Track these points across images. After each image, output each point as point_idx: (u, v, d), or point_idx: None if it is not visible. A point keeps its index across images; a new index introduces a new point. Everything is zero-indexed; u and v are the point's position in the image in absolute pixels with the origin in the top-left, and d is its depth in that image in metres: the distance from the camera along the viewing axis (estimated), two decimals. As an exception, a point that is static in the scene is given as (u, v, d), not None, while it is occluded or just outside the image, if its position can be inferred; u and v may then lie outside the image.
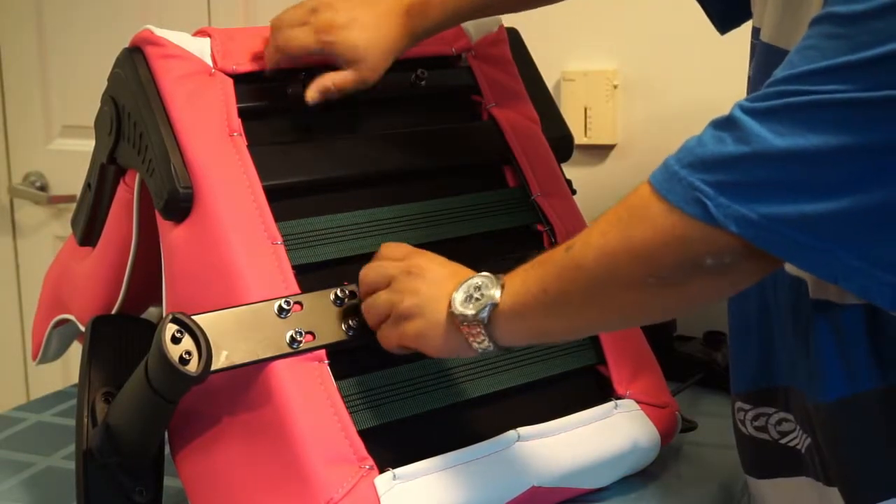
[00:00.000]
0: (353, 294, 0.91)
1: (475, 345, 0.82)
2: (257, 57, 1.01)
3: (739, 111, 0.67)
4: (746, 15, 0.95)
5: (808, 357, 0.81)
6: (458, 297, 0.82)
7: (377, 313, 0.88)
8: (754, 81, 0.87)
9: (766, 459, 0.90)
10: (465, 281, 0.82)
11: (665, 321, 1.33)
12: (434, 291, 0.84)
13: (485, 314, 0.80)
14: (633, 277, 0.72)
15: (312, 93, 0.98)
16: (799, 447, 0.86)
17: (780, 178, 0.65)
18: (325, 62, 0.99)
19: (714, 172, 0.67)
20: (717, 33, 1.04)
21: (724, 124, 0.68)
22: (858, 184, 0.64)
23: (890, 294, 0.67)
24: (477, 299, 0.80)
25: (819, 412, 0.81)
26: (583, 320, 0.79)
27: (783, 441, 0.88)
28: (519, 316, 0.80)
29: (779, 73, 0.67)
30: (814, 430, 0.83)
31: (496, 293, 0.80)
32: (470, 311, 0.80)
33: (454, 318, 0.82)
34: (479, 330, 0.81)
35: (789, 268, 0.82)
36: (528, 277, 0.79)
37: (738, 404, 0.92)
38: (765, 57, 0.83)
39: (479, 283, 0.81)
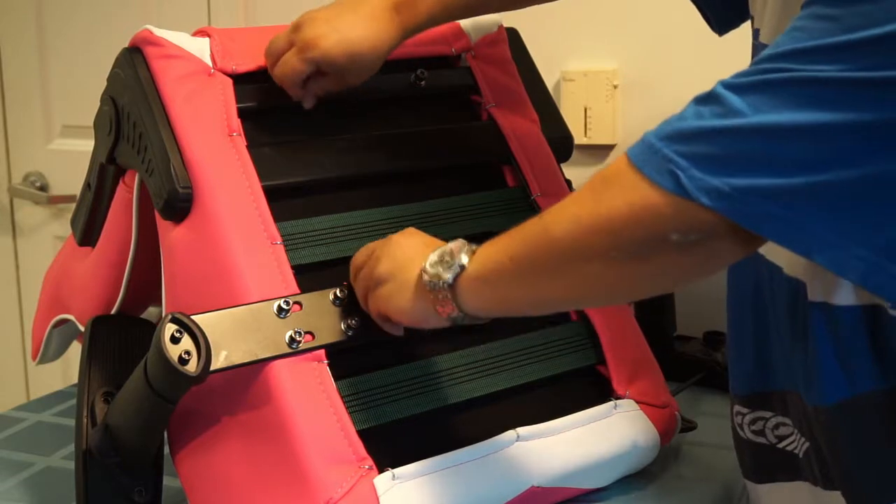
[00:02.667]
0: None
1: (441, 310, 0.82)
2: (257, 57, 1.01)
3: (721, 87, 0.67)
4: (743, 16, 0.95)
5: (806, 360, 0.81)
6: (432, 258, 0.83)
7: (362, 286, 0.89)
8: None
9: (764, 463, 0.90)
10: (441, 247, 0.83)
11: (661, 320, 1.34)
12: (409, 255, 0.85)
13: (449, 276, 0.80)
14: (596, 249, 0.71)
15: (307, 102, 1.00)
16: (796, 451, 0.86)
17: (755, 151, 0.65)
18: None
19: (689, 144, 0.67)
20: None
21: (705, 99, 0.68)
22: (833, 161, 0.64)
23: (862, 268, 0.66)
24: (447, 262, 0.81)
25: (819, 415, 0.80)
26: (546, 292, 0.78)
27: (780, 445, 0.88)
28: (484, 282, 0.79)
29: (765, 52, 0.68)
30: (812, 433, 0.82)
31: (465, 259, 0.80)
32: (435, 272, 0.81)
33: (422, 283, 0.82)
34: (445, 295, 0.81)
35: (787, 269, 0.82)
36: (498, 243, 0.79)
37: (736, 408, 0.92)
38: (764, 58, 0.83)
39: (453, 248, 0.82)
